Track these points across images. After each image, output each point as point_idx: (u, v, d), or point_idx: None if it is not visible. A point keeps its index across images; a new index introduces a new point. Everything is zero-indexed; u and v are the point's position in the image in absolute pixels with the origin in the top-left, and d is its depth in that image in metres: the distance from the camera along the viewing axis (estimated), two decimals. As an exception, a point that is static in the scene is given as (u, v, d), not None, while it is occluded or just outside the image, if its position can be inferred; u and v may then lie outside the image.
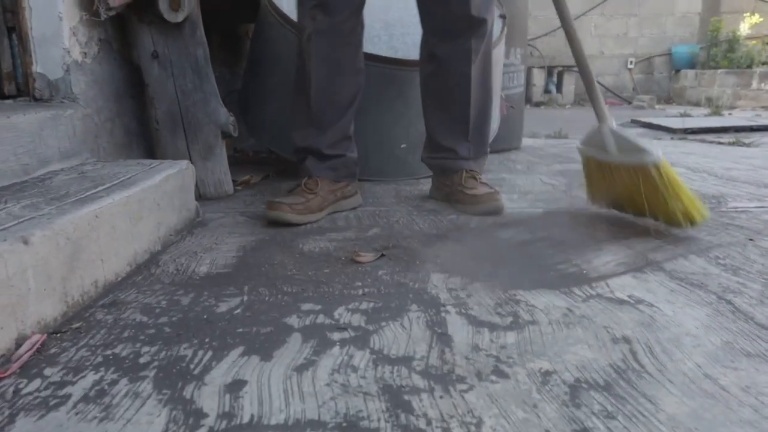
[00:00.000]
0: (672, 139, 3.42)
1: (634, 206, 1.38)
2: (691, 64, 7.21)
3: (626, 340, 0.82)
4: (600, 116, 1.44)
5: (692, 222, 1.27)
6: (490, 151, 2.44)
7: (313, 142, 1.55)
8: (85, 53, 1.53)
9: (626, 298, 0.97)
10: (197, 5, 1.68)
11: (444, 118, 1.63)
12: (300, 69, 1.56)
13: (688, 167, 2.22)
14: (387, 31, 1.99)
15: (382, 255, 1.19)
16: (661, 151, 1.29)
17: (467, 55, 1.52)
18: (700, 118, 4.48)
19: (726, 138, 3.27)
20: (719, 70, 6.43)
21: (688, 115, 4.70)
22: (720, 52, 6.73)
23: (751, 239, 1.28)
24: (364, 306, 0.95)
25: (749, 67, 6.33)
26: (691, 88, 6.91)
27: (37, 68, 1.45)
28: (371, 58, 1.81)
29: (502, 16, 2.26)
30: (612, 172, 1.40)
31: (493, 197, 1.52)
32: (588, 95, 1.48)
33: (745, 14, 6.93)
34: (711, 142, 3.14)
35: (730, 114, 4.99)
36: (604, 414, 0.64)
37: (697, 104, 6.49)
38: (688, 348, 0.79)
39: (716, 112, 5.02)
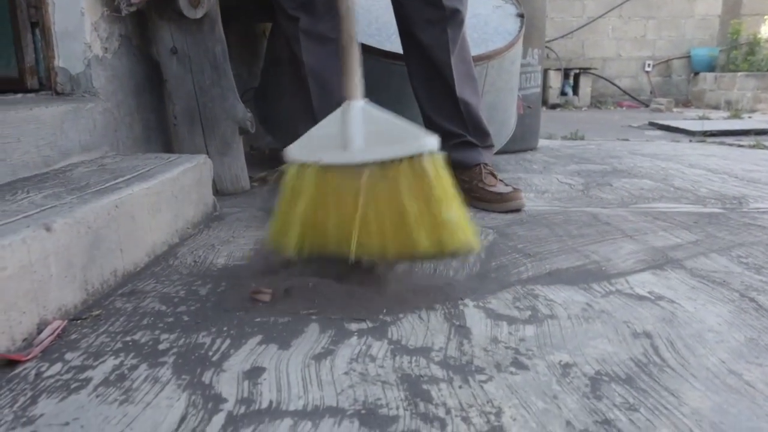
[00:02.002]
0: (691, 141, 3.39)
1: (372, 232, 0.92)
2: (710, 67, 7.12)
3: (647, 335, 0.81)
4: (346, 89, 0.97)
5: (467, 245, 0.91)
6: (507, 151, 2.45)
7: None
8: (106, 48, 1.55)
9: (646, 295, 0.95)
10: (216, 2, 1.69)
11: (439, 104, 1.60)
12: (292, 69, 1.56)
13: (708, 169, 2.20)
14: (390, 27, 1.99)
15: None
16: (433, 136, 0.91)
17: (446, 45, 1.51)
18: (719, 121, 4.43)
19: (746, 141, 3.22)
20: (739, 73, 6.35)
21: (707, 118, 4.64)
22: (740, 55, 6.65)
23: (773, 239, 1.26)
24: (379, 297, 0.94)
25: (770, 70, 6.25)
26: (710, 91, 6.83)
27: (59, 63, 1.47)
28: (389, 55, 1.81)
29: (520, 15, 2.25)
30: (344, 182, 0.95)
31: (517, 195, 1.53)
32: (340, 54, 1.00)
33: (766, 17, 6.84)
34: (731, 145, 3.10)
35: (750, 117, 4.93)
36: (626, 406, 0.63)
37: (716, 107, 6.41)
38: (711, 344, 0.78)
39: (736, 115, 4.96)
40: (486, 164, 1.61)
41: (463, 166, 1.62)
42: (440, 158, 0.91)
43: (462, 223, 0.91)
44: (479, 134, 1.63)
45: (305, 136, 1.02)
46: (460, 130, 1.61)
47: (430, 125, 1.65)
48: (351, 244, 0.91)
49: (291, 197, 1.01)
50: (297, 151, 1.02)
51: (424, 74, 1.59)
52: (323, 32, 1.48)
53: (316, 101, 1.53)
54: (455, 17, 1.51)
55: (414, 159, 0.90)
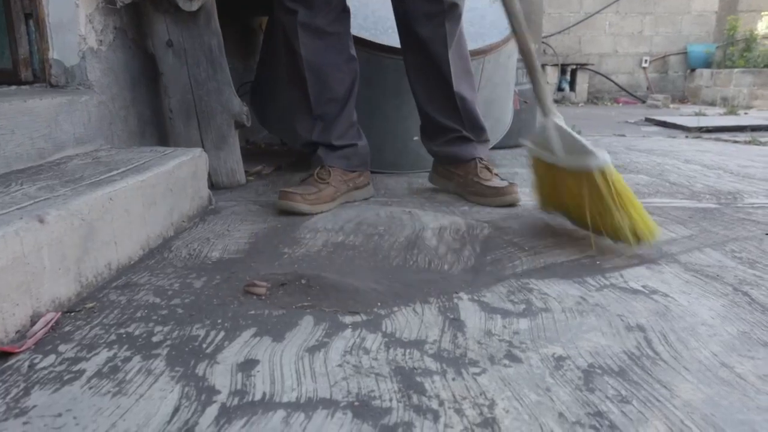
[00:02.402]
0: (687, 137, 3.39)
1: (579, 215, 1.20)
2: (707, 63, 7.13)
3: (640, 328, 0.81)
4: (544, 109, 1.28)
5: (640, 239, 1.10)
6: (503, 146, 2.45)
7: (320, 136, 1.56)
8: (101, 41, 1.54)
9: (640, 288, 0.96)
10: (212, -5, 1.68)
11: (435, 98, 1.60)
12: (290, 63, 1.55)
13: (703, 164, 2.20)
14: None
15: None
16: (608, 155, 1.13)
17: (443, 39, 1.51)
18: (715, 117, 4.44)
19: (742, 137, 3.23)
20: (735, 70, 6.36)
21: (703, 114, 4.65)
22: (736, 51, 6.66)
23: (767, 234, 1.26)
24: (373, 290, 0.94)
25: (766, 66, 6.25)
26: (706, 87, 6.84)
27: (53, 55, 1.46)
28: (386, 49, 1.81)
29: (517, 10, 2.25)
30: (557, 175, 1.25)
31: (513, 190, 1.53)
32: (531, 82, 1.31)
33: (763, 13, 6.85)
34: (726, 141, 3.11)
35: (746, 113, 4.93)
36: (619, 398, 0.64)
37: (713, 104, 6.42)
38: (703, 337, 0.78)
39: (732, 111, 4.97)
40: (481, 159, 1.61)
41: (459, 161, 1.63)
42: (608, 172, 1.12)
43: (634, 222, 1.09)
44: (475, 129, 1.63)
45: (533, 135, 1.33)
46: (455, 124, 1.61)
47: (426, 119, 1.65)
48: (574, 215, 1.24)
49: (536, 174, 1.36)
50: (530, 146, 1.33)
51: (422, 68, 1.58)
52: (321, 26, 1.48)
53: (313, 94, 1.53)
54: (453, 11, 1.51)
55: (593, 169, 1.12)
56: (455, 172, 1.64)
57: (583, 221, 1.19)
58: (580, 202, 1.17)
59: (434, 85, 1.59)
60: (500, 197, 1.52)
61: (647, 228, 1.11)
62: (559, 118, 1.25)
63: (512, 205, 1.51)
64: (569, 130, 1.23)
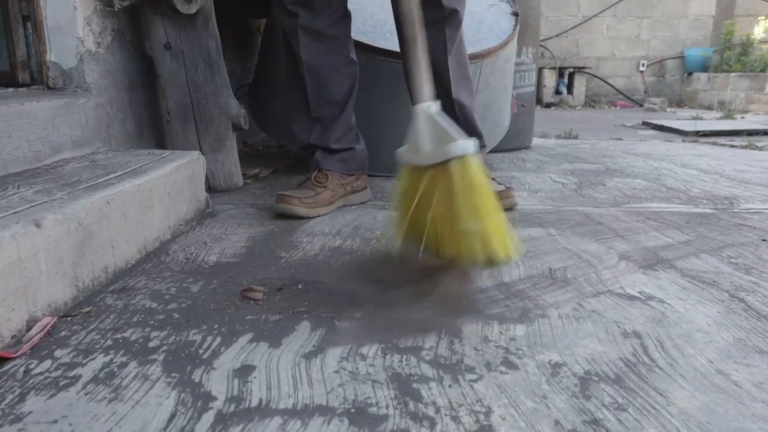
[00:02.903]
0: (684, 141, 3.40)
1: (433, 234, 0.96)
2: (704, 68, 7.16)
3: (637, 335, 0.81)
4: (413, 92, 1.03)
5: (491, 257, 0.89)
6: (500, 150, 2.46)
7: (318, 139, 1.56)
8: (99, 43, 1.54)
9: (637, 295, 0.96)
10: (210, -2, 1.68)
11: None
12: (289, 65, 1.55)
13: (700, 169, 2.21)
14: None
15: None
16: (472, 144, 0.91)
17: (443, 45, 1.50)
18: (712, 121, 4.45)
19: (738, 141, 3.24)
20: (732, 74, 6.39)
21: (700, 118, 4.67)
22: (733, 56, 6.68)
23: (764, 239, 1.27)
24: (370, 296, 0.94)
25: (763, 71, 6.28)
26: (703, 91, 6.86)
27: (51, 57, 1.46)
28: (384, 53, 1.81)
29: (515, 14, 2.26)
30: (421, 182, 0.97)
31: (509, 194, 1.52)
32: (406, 56, 1.09)
33: (759, 18, 6.88)
34: (723, 145, 3.12)
35: (742, 118, 4.95)
36: (615, 406, 0.64)
37: (710, 108, 6.44)
38: (699, 344, 0.79)
39: (729, 115, 4.99)
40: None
41: None
42: (470, 163, 0.89)
43: (488, 235, 0.89)
44: (472, 136, 1.63)
45: (408, 137, 1.04)
46: None
47: None
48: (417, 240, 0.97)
49: (401, 196, 1.06)
50: (400, 153, 1.06)
51: None
52: (321, 29, 1.48)
53: (311, 97, 1.53)
54: (454, 17, 1.51)
55: (446, 164, 0.91)
56: None
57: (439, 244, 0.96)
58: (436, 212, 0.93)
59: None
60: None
61: (503, 243, 0.89)
62: (432, 104, 1.00)
63: (509, 209, 1.51)
64: (440, 118, 0.98)
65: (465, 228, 0.88)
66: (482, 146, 1.68)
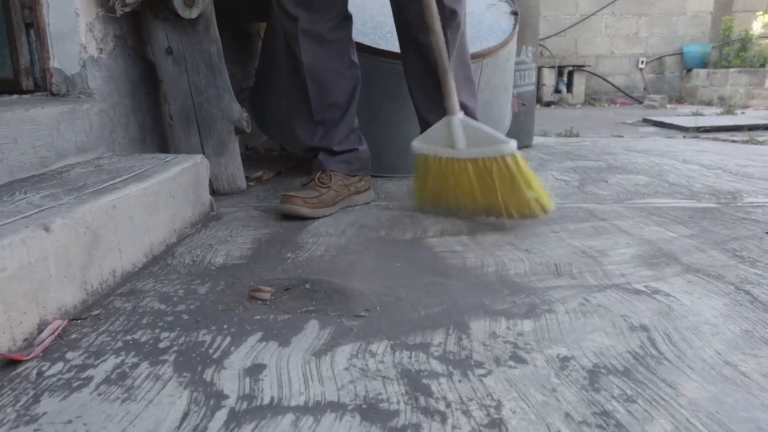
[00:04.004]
0: (684, 137, 3.40)
1: (478, 202, 1.36)
2: (703, 64, 7.16)
3: (644, 328, 0.82)
4: (449, 108, 1.39)
5: (545, 210, 1.31)
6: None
7: (321, 142, 1.56)
8: (101, 49, 1.55)
9: (643, 289, 0.96)
10: (211, 2, 1.69)
11: (435, 107, 1.55)
12: (291, 69, 1.55)
13: (701, 164, 2.21)
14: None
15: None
16: (515, 142, 1.29)
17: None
18: (712, 117, 4.45)
19: (739, 136, 3.24)
20: (732, 69, 6.39)
21: (701, 114, 4.67)
22: (732, 52, 6.68)
23: (767, 232, 1.27)
24: (377, 294, 0.95)
25: (762, 66, 6.28)
26: (702, 87, 6.86)
27: (54, 63, 1.47)
28: (385, 54, 1.82)
29: (514, 13, 2.26)
30: (455, 169, 1.37)
31: None
32: (441, 83, 1.41)
33: (758, 13, 6.88)
34: (724, 141, 3.12)
35: (743, 113, 4.95)
36: (624, 398, 0.64)
37: (709, 104, 6.44)
38: (707, 336, 0.79)
39: (729, 111, 4.99)
40: None
41: None
42: (518, 156, 1.29)
43: (540, 196, 1.31)
44: None
45: (422, 137, 1.46)
46: None
47: (425, 126, 1.65)
48: (463, 206, 1.41)
49: (421, 176, 1.48)
50: (420, 146, 1.46)
51: (421, 75, 1.57)
52: (322, 32, 1.48)
53: (313, 100, 1.53)
54: (453, 18, 1.50)
55: (500, 158, 1.30)
56: None
57: (477, 208, 1.38)
58: (483, 189, 1.33)
59: (434, 93, 1.57)
60: None
61: (549, 200, 1.33)
62: (461, 114, 1.38)
63: None
64: (476, 123, 1.37)
65: (530, 196, 1.29)
66: None
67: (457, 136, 1.36)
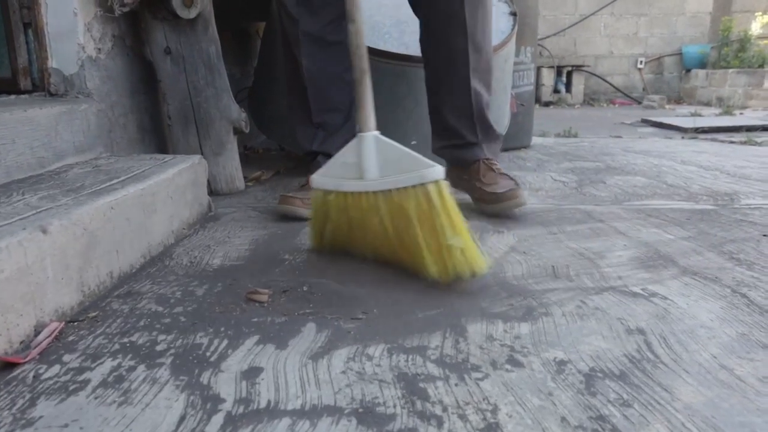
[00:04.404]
0: (683, 138, 3.41)
1: (394, 250, 1.05)
2: (702, 64, 7.16)
3: (640, 331, 0.82)
4: (360, 122, 1.09)
5: (473, 271, 0.96)
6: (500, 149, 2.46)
7: (321, 146, 1.54)
8: (100, 49, 1.55)
9: (640, 291, 0.96)
10: (210, 2, 1.69)
11: (445, 93, 1.55)
12: (291, 71, 1.54)
13: (700, 165, 2.21)
14: (398, 28, 2.00)
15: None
16: (442, 169, 0.98)
17: (462, 27, 1.46)
18: (711, 118, 4.46)
19: (738, 137, 3.25)
20: (730, 70, 6.39)
21: (699, 115, 4.67)
22: (731, 52, 6.69)
23: (765, 235, 1.27)
24: (374, 297, 0.95)
25: (761, 66, 6.28)
26: (701, 87, 6.87)
27: (52, 63, 1.47)
28: (382, 54, 1.82)
29: (513, 14, 2.26)
30: (365, 205, 1.06)
31: (514, 194, 1.45)
32: (354, 88, 1.14)
33: (756, 14, 6.89)
34: (722, 141, 3.12)
35: (741, 113, 4.96)
36: (620, 402, 0.64)
37: (708, 104, 6.45)
38: (703, 339, 0.79)
39: (727, 111, 4.99)
40: (487, 159, 1.55)
41: (463, 164, 1.58)
42: (442, 185, 0.98)
43: (467, 248, 0.97)
44: (483, 129, 1.57)
45: (327, 165, 1.14)
46: (464, 128, 1.55)
47: (436, 118, 1.61)
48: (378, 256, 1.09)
49: (318, 217, 1.18)
50: (320, 180, 1.14)
51: (438, 61, 1.53)
52: (323, 35, 1.46)
53: (313, 103, 1.52)
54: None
55: (419, 187, 0.99)
56: (461, 175, 1.59)
57: (395, 258, 1.05)
58: (398, 233, 1.02)
59: (448, 82, 1.53)
60: (502, 203, 1.45)
61: (478, 254, 0.97)
62: (375, 133, 1.07)
63: (516, 207, 1.47)
64: (395, 144, 1.04)
65: (452, 243, 0.96)
66: (495, 138, 1.62)
67: (368, 163, 1.05)
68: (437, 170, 0.98)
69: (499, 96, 2.22)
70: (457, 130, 1.56)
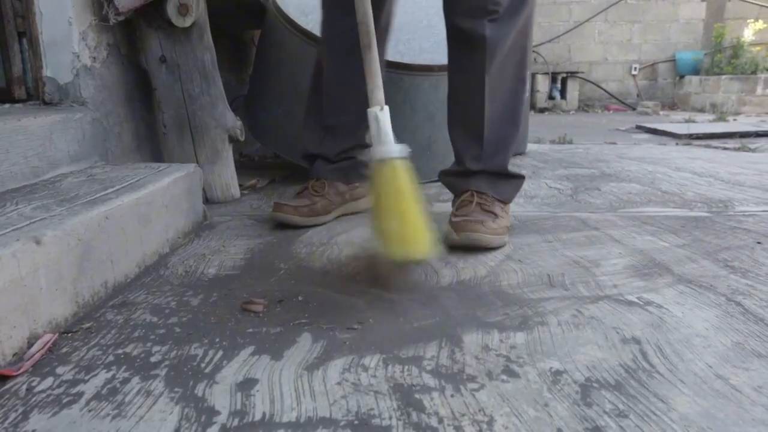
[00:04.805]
0: (677, 144, 3.42)
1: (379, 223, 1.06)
2: (695, 71, 7.21)
3: (636, 340, 0.82)
4: (369, 97, 1.11)
5: (408, 256, 0.97)
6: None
7: (324, 149, 1.52)
8: (94, 58, 1.55)
9: (635, 300, 0.97)
10: (205, 10, 1.69)
11: (456, 111, 1.40)
12: (316, 74, 1.52)
13: (694, 172, 2.22)
14: (393, 36, 2.00)
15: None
16: (399, 148, 1.01)
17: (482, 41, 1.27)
18: (704, 124, 4.48)
19: (731, 143, 3.27)
20: (723, 76, 6.44)
21: (693, 121, 4.70)
22: (724, 58, 6.73)
23: (759, 242, 1.28)
24: (370, 306, 0.95)
25: (754, 72, 6.33)
26: (695, 94, 6.91)
27: (47, 72, 1.47)
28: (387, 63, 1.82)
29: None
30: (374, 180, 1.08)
31: (469, 227, 1.23)
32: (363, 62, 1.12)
33: (749, 20, 6.94)
34: (716, 148, 3.14)
35: (734, 120, 4.99)
36: (616, 413, 0.64)
37: (702, 110, 6.49)
38: (698, 348, 0.79)
39: (721, 117, 5.02)
40: (479, 192, 1.33)
41: (454, 193, 1.43)
42: (397, 165, 0.99)
43: (406, 235, 0.98)
44: (491, 157, 1.35)
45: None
46: (464, 151, 1.37)
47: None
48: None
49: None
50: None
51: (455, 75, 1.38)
52: (352, 43, 1.23)
53: (326, 108, 1.49)
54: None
55: (375, 165, 1.02)
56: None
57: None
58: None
59: (462, 102, 1.37)
60: (455, 234, 1.23)
61: (419, 243, 0.97)
62: (381, 108, 1.08)
63: (470, 245, 1.23)
64: (384, 120, 1.07)
65: (385, 228, 0.99)
66: (504, 173, 1.39)
67: (374, 135, 1.09)
68: (389, 148, 1.01)
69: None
70: (460, 153, 1.39)
